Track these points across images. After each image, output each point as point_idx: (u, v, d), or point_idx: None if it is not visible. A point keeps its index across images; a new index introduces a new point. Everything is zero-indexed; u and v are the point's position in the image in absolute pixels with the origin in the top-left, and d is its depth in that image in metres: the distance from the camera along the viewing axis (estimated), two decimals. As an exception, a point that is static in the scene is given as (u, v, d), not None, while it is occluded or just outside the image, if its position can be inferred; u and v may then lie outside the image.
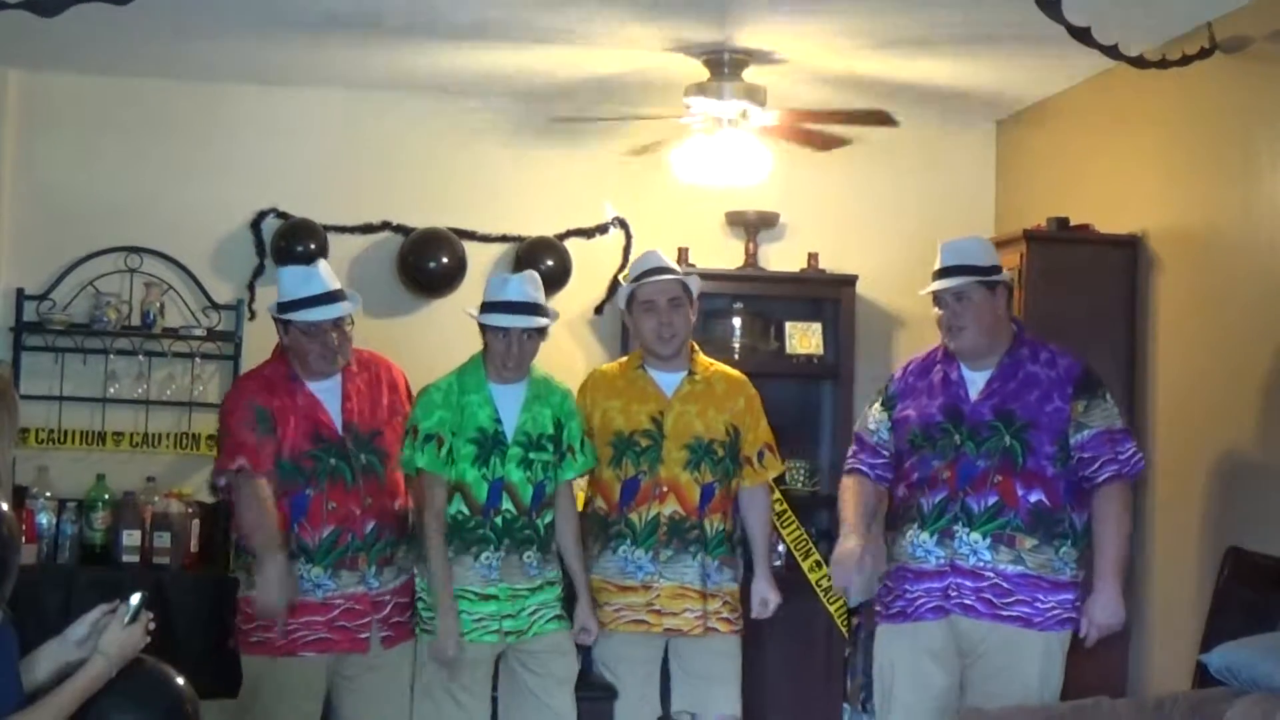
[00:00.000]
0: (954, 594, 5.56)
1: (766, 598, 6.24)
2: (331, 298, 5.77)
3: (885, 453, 5.84)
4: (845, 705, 7.64)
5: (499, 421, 5.93)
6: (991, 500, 5.52)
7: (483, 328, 5.99)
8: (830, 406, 8.03)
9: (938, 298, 5.67)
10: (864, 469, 5.88)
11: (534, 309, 5.93)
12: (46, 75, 7.85)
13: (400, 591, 5.92)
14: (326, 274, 5.84)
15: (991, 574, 5.52)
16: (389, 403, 5.98)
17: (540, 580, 5.97)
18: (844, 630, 7.59)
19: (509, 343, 5.92)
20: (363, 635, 5.79)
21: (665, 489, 6.12)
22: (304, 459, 5.72)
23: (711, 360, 6.39)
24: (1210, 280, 6.38)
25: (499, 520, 5.89)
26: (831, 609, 7.64)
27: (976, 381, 5.66)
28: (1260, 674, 4.88)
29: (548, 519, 5.98)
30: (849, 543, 5.66)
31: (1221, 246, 6.30)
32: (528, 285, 5.97)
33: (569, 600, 6.09)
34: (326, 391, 5.83)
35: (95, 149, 7.94)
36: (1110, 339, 6.84)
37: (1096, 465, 5.52)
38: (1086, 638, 5.54)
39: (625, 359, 6.44)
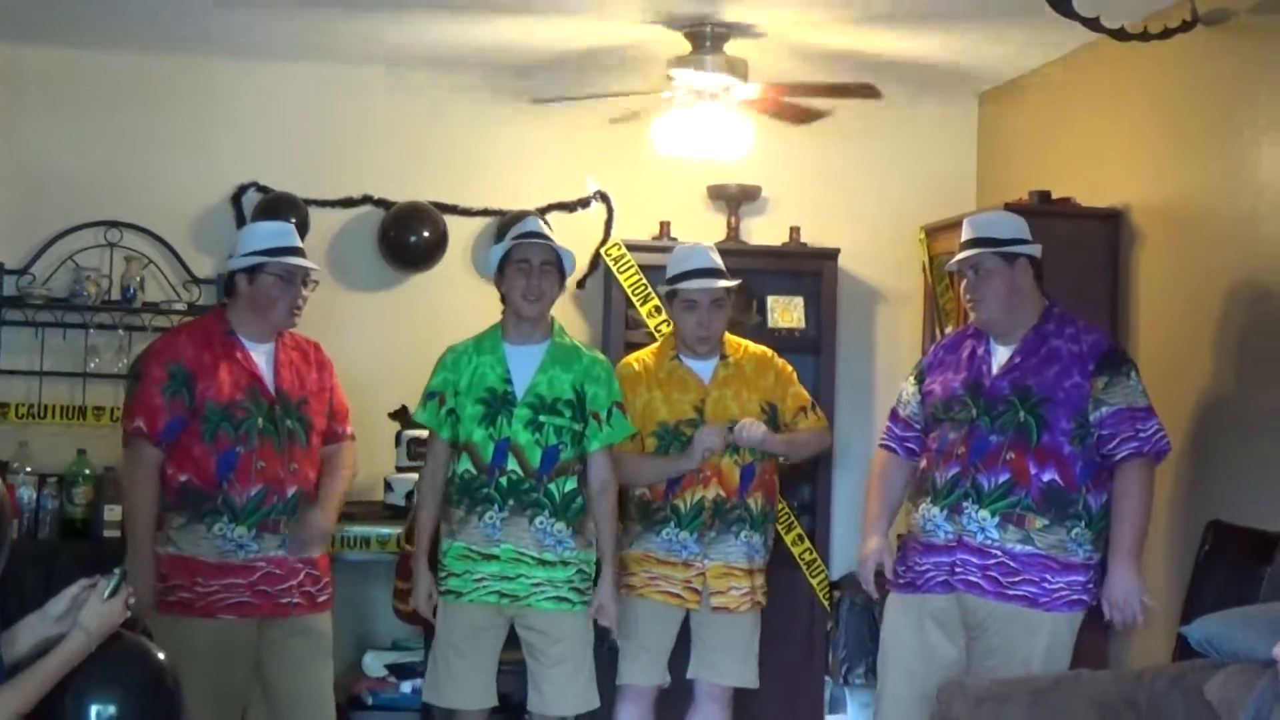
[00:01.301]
0: (960, 570, 5.57)
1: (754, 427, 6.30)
2: (303, 254, 5.82)
3: (916, 426, 5.88)
4: (827, 678, 7.66)
5: (509, 382, 5.92)
6: (1003, 478, 5.50)
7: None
8: (812, 380, 8.00)
9: (959, 269, 5.69)
10: (893, 444, 5.96)
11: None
12: (26, 49, 7.81)
13: (316, 564, 5.85)
14: (296, 235, 5.90)
15: (999, 552, 5.51)
16: (317, 378, 5.93)
17: (557, 555, 5.92)
18: (826, 604, 7.60)
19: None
20: (284, 600, 5.74)
21: (708, 473, 6.25)
22: (236, 408, 5.66)
23: (739, 340, 6.51)
24: (1192, 253, 6.38)
25: (503, 481, 5.87)
26: (813, 582, 7.65)
27: (1002, 356, 5.66)
28: (1240, 646, 4.88)
29: (566, 486, 5.93)
30: (869, 545, 5.85)
31: (1203, 220, 6.30)
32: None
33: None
34: (261, 354, 5.79)
35: (75, 123, 7.90)
36: (1092, 312, 6.80)
37: (1115, 442, 5.49)
38: (1112, 622, 5.55)
39: (655, 347, 6.54)
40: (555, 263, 5.96)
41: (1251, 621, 4.94)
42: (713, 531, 6.24)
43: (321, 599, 5.87)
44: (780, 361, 6.51)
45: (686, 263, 6.31)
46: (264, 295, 5.74)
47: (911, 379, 5.97)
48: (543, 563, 5.90)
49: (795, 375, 6.53)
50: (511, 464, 5.88)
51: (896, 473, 5.95)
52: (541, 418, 5.90)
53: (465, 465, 5.92)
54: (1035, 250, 5.67)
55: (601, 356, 6.16)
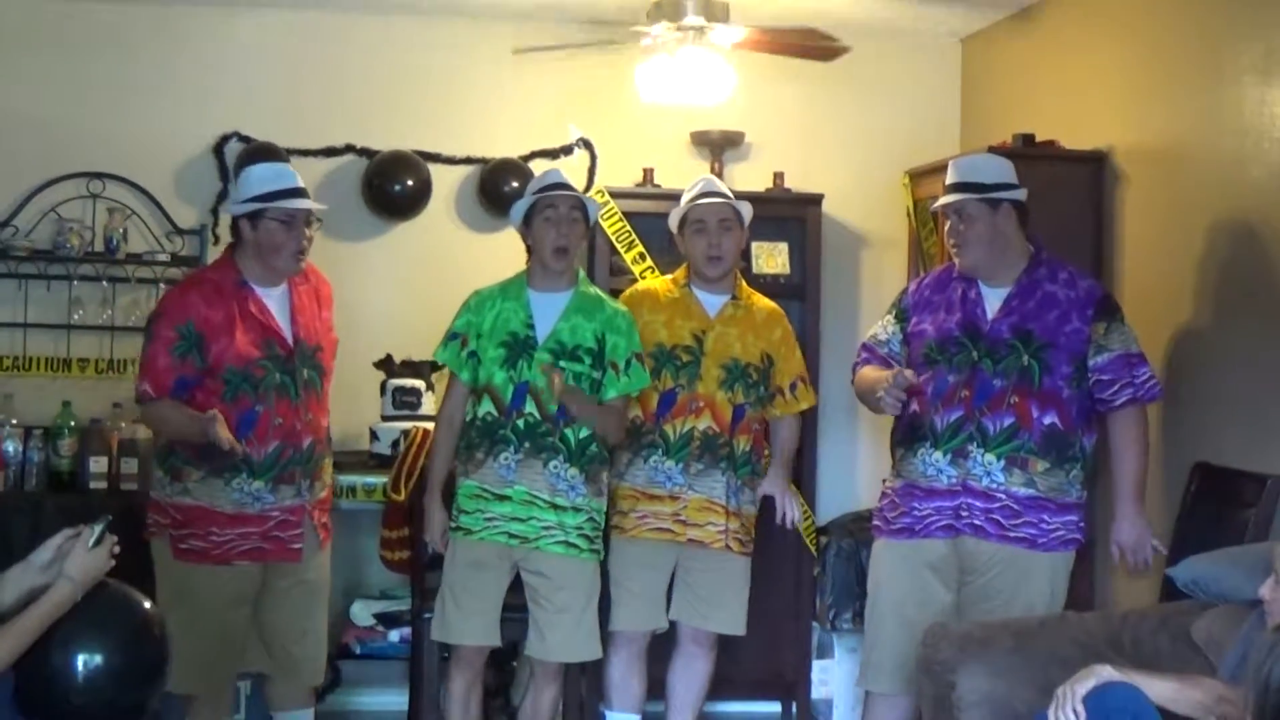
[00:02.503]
0: (965, 514, 5.59)
1: (785, 511, 6.39)
2: (305, 194, 5.82)
3: (894, 364, 5.84)
4: (814, 624, 7.67)
5: (531, 327, 5.96)
6: (1007, 421, 5.53)
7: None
8: (797, 326, 7.96)
9: (944, 212, 5.70)
10: (872, 363, 5.94)
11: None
12: (4, -1, 7.78)
13: (321, 503, 5.97)
14: (297, 176, 5.88)
15: (1003, 496, 5.54)
16: (326, 318, 6.00)
17: (569, 500, 5.96)
18: (813, 550, 7.61)
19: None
20: (295, 545, 5.83)
21: (701, 404, 6.31)
22: (254, 367, 5.71)
23: (754, 290, 6.56)
24: (1176, 195, 6.38)
25: (520, 423, 5.92)
26: (800, 529, 7.65)
27: (994, 299, 5.67)
28: (1227, 587, 4.91)
29: (582, 433, 5.96)
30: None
31: (1187, 161, 6.29)
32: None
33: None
34: (275, 300, 5.82)
35: (55, 73, 7.85)
36: (1076, 255, 6.78)
37: (1115, 389, 5.55)
38: (1121, 564, 5.61)
39: (672, 275, 6.57)
40: (581, 211, 6.04)
41: (1237, 562, 4.97)
42: (699, 464, 6.26)
43: (323, 533, 5.99)
44: (788, 324, 6.58)
45: (695, 188, 6.41)
46: (268, 241, 5.74)
47: (890, 317, 5.97)
48: (554, 506, 5.94)
49: (797, 343, 6.61)
50: (529, 407, 5.92)
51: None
52: (562, 363, 5.93)
53: (487, 408, 5.97)
54: (1020, 195, 5.67)
55: (624, 308, 6.18)
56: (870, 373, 5.88)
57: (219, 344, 5.68)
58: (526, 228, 6.05)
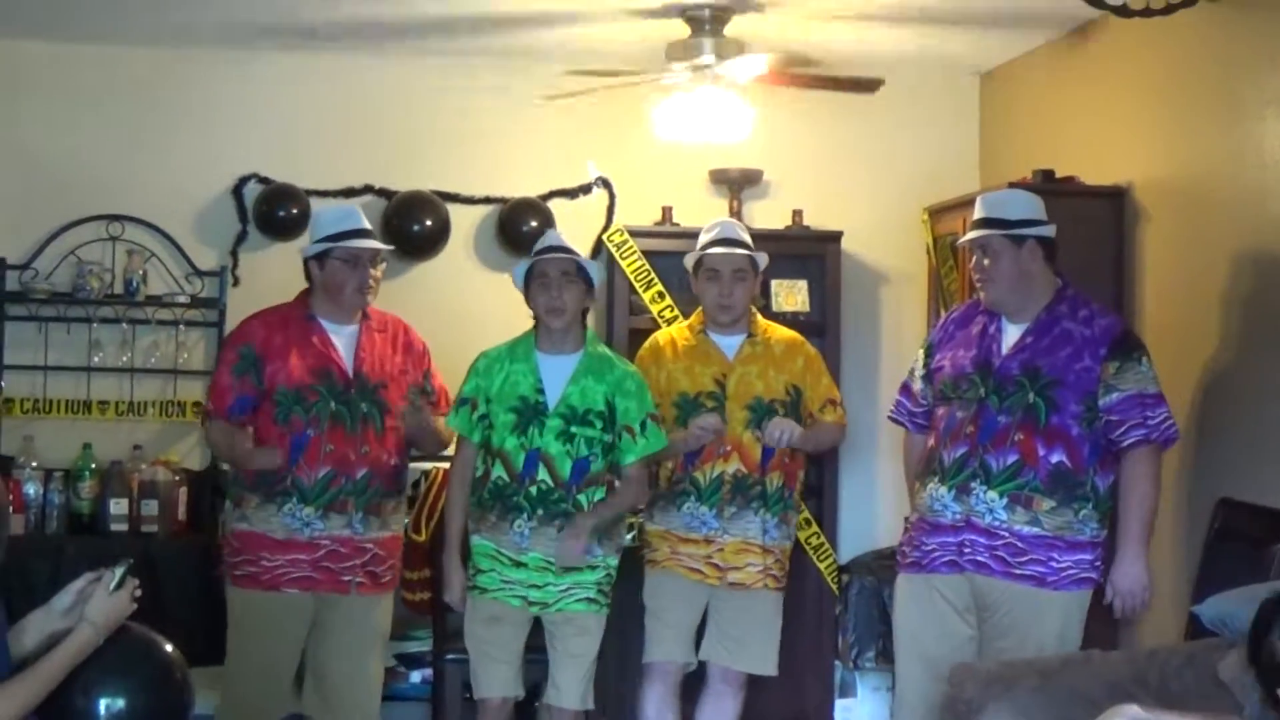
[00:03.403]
0: (968, 550, 5.55)
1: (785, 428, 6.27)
2: (370, 234, 6.05)
3: (924, 401, 5.88)
4: (836, 663, 7.65)
5: (541, 392, 5.93)
6: (1011, 459, 5.48)
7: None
8: (817, 363, 8.03)
9: (969, 248, 5.70)
10: (903, 419, 6.01)
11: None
12: (26, 43, 7.79)
13: (383, 544, 6.01)
14: (363, 216, 6.10)
15: (1006, 533, 5.49)
16: (401, 362, 6.11)
17: (584, 562, 5.92)
18: (835, 588, 7.59)
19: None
20: (345, 578, 5.90)
21: (729, 448, 6.29)
22: (307, 391, 5.85)
23: (770, 322, 6.58)
24: (1197, 230, 6.36)
25: (533, 490, 5.89)
26: (821, 566, 7.65)
27: (1012, 335, 5.64)
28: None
29: (595, 497, 5.94)
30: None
31: (1208, 196, 6.28)
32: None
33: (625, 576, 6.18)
34: (343, 337, 5.98)
35: (76, 117, 7.89)
36: (1097, 290, 6.78)
37: (1123, 429, 5.48)
38: (1114, 608, 5.55)
39: (688, 321, 6.58)
40: (576, 273, 5.99)
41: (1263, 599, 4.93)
42: (732, 507, 6.26)
43: (385, 579, 6.07)
44: (810, 349, 6.55)
45: (711, 233, 6.40)
46: (333, 279, 5.94)
47: (921, 353, 5.98)
48: (567, 570, 5.92)
49: (824, 365, 6.57)
50: (542, 474, 5.90)
51: (913, 449, 5.99)
52: (573, 428, 5.91)
53: (499, 471, 5.94)
54: (1048, 231, 5.65)
55: (633, 368, 6.15)
56: (907, 467, 6.04)
57: (273, 365, 5.87)
58: (527, 290, 6.05)
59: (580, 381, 5.96)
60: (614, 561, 6.04)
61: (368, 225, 6.05)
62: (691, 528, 6.27)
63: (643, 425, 5.99)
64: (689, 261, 6.45)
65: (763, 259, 6.40)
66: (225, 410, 5.93)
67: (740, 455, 6.29)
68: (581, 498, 5.91)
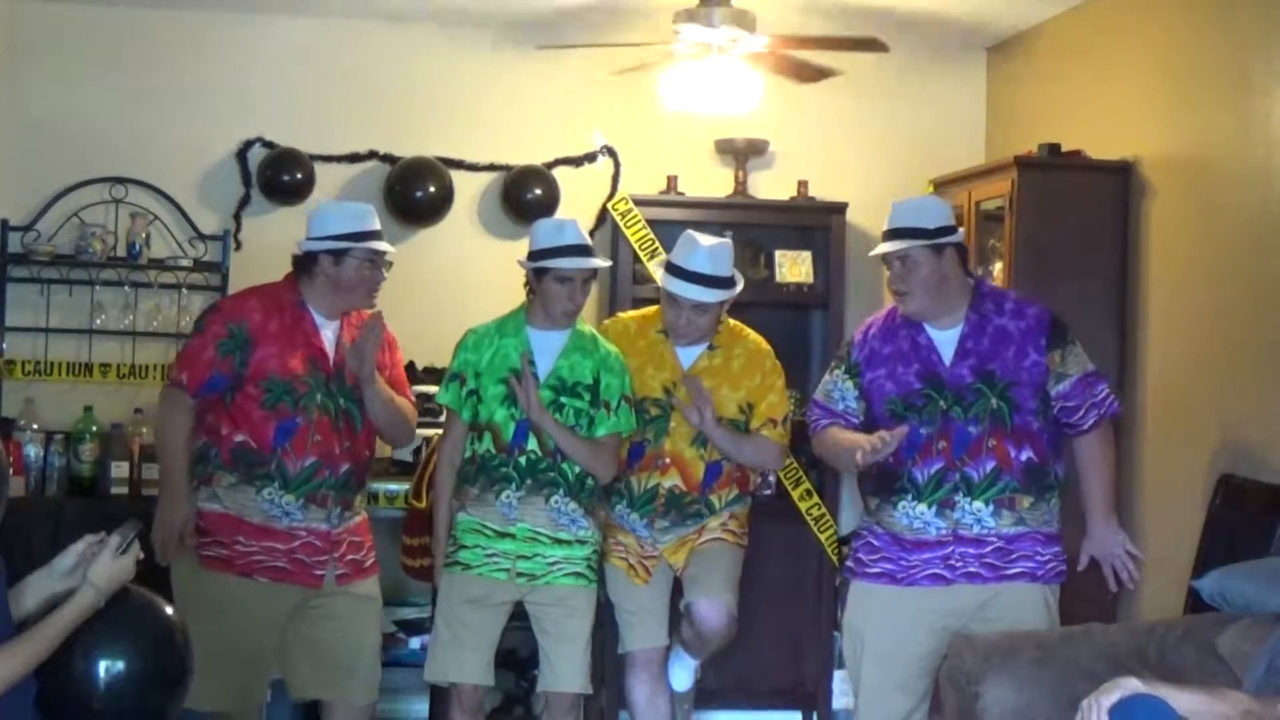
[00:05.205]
0: (957, 563, 5.46)
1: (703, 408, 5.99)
2: (382, 236, 5.88)
3: (855, 419, 5.67)
4: (835, 633, 7.64)
5: (532, 363, 5.90)
6: (989, 466, 5.42)
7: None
8: (820, 335, 8.01)
9: (885, 259, 5.58)
10: (830, 421, 5.71)
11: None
12: (30, 3, 7.80)
13: (354, 531, 5.89)
14: (375, 215, 5.91)
15: (994, 539, 5.43)
16: (379, 359, 5.91)
17: (571, 534, 5.90)
18: (834, 559, 7.59)
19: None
20: (318, 572, 5.75)
21: (668, 461, 6.11)
22: (299, 382, 5.70)
23: (739, 325, 6.28)
24: (1202, 206, 6.36)
25: (522, 460, 5.86)
26: (822, 537, 7.65)
27: (947, 343, 5.53)
28: (1252, 598, 4.88)
29: (579, 468, 5.90)
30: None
31: (1214, 172, 6.27)
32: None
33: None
34: (329, 331, 5.83)
35: (80, 79, 7.87)
36: (1102, 266, 6.82)
37: (1080, 413, 5.46)
38: (1109, 579, 5.53)
39: (646, 312, 6.35)
40: (593, 275, 5.98)
41: (1263, 574, 4.95)
42: (665, 521, 6.13)
43: (368, 564, 5.93)
44: (772, 363, 6.24)
45: (681, 255, 6.06)
46: (350, 277, 5.77)
47: (840, 372, 5.71)
48: (558, 541, 5.89)
49: (783, 385, 6.25)
50: (531, 444, 5.86)
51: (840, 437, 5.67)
52: (563, 399, 5.88)
53: (486, 445, 5.90)
54: (961, 238, 5.58)
55: (615, 349, 6.04)
56: (841, 434, 5.64)
57: (265, 350, 5.68)
58: (536, 276, 5.92)
59: (570, 356, 5.94)
60: (599, 538, 5.99)
61: (379, 227, 5.86)
62: (625, 526, 6.17)
63: (617, 404, 5.94)
64: (657, 271, 6.28)
65: (734, 294, 6.08)
66: (197, 387, 5.67)
67: (680, 471, 6.10)
68: (566, 466, 5.87)
